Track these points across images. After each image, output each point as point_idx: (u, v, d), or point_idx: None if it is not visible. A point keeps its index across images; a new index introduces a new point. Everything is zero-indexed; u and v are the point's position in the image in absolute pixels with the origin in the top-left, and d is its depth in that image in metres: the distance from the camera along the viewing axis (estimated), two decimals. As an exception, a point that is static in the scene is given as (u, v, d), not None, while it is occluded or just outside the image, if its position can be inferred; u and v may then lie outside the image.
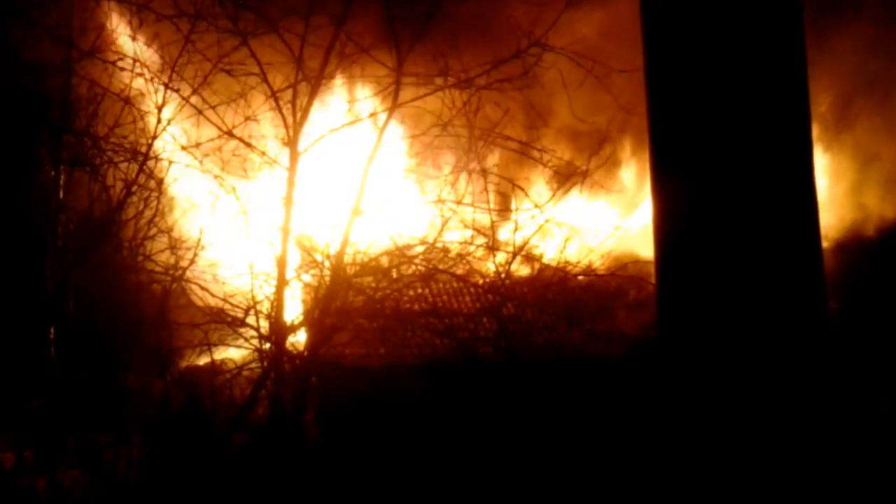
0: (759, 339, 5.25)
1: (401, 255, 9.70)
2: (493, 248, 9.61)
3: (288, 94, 9.71)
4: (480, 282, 9.71)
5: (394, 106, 9.74)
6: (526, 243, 9.61)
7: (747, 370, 5.21)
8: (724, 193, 5.25)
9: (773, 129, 5.36)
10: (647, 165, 10.21)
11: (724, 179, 5.27)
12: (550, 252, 9.85)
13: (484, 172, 9.67)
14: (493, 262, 9.64)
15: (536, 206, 9.52)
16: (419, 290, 9.67)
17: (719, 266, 5.26)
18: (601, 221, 10.15)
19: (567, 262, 9.53)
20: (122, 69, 9.61)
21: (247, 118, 9.77)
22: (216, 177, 9.59)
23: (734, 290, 5.25)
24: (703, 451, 5.36)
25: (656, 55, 5.42)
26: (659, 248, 5.47)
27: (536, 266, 9.72)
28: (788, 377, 5.25)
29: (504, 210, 9.81)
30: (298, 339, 9.80)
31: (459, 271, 9.63)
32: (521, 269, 9.77)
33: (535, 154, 9.65)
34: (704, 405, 5.34)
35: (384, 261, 9.77)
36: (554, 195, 9.53)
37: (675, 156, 5.36)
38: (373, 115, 9.80)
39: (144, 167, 9.60)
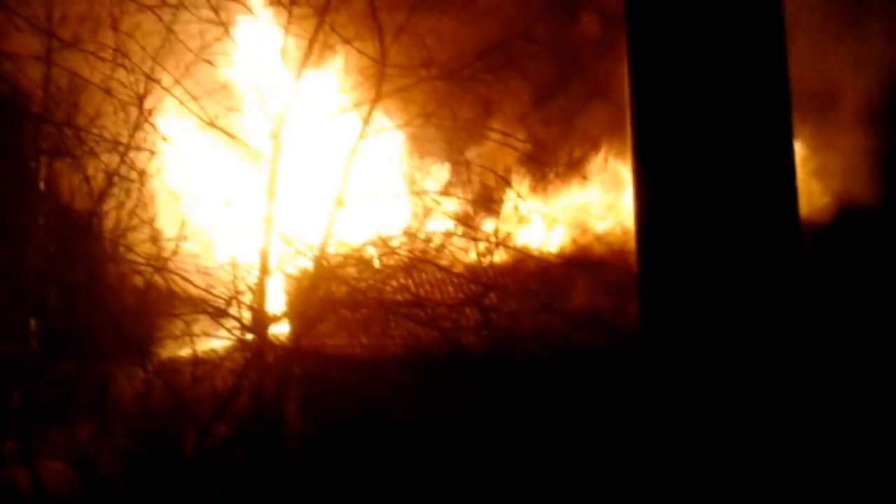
0: (740, 328, 4.96)
1: (384, 245, 9.39)
2: (475, 237, 9.30)
3: (272, 85, 9.40)
4: (463, 271, 9.37)
5: (377, 97, 9.40)
6: (508, 233, 9.33)
7: (731, 361, 4.92)
8: (706, 181, 4.92)
9: (755, 118, 5.05)
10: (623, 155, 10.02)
11: (707, 167, 4.94)
12: (533, 241, 9.56)
13: (467, 163, 9.37)
14: (476, 251, 9.33)
15: (519, 196, 9.24)
16: (402, 281, 9.32)
17: (701, 256, 4.95)
18: (584, 210, 9.83)
19: (549, 252, 9.29)
20: (103, 59, 9.25)
21: (229, 109, 9.49)
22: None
23: (716, 279, 4.94)
24: (686, 440, 5.07)
25: (638, 41, 5.08)
26: (640, 237, 5.13)
27: (519, 255, 9.41)
28: (772, 368, 4.98)
29: (487, 200, 9.51)
30: (281, 330, 9.52)
31: (442, 262, 9.31)
32: (504, 259, 9.45)
33: (517, 144, 9.36)
34: (687, 396, 5.06)
35: (367, 251, 9.46)
36: (537, 185, 9.24)
37: (657, 145, 5.01)
38: (356, 106, 9.48)
39: (126, 158, 9.25)
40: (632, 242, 9.72)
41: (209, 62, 9.18)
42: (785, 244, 4.93)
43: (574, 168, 9.50)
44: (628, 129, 5.12)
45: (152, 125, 9.23)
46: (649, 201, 4.96)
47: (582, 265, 9.20)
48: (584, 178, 9.56)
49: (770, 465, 4.94)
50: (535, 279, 9.31)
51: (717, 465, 4.94)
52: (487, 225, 9.50)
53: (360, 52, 9.41)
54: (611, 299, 9.14)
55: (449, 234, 9.32)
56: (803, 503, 4.96)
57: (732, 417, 4.90)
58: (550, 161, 9.48)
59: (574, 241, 9.51)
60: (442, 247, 9.31)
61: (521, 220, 9.40)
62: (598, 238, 9.64)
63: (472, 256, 9.36)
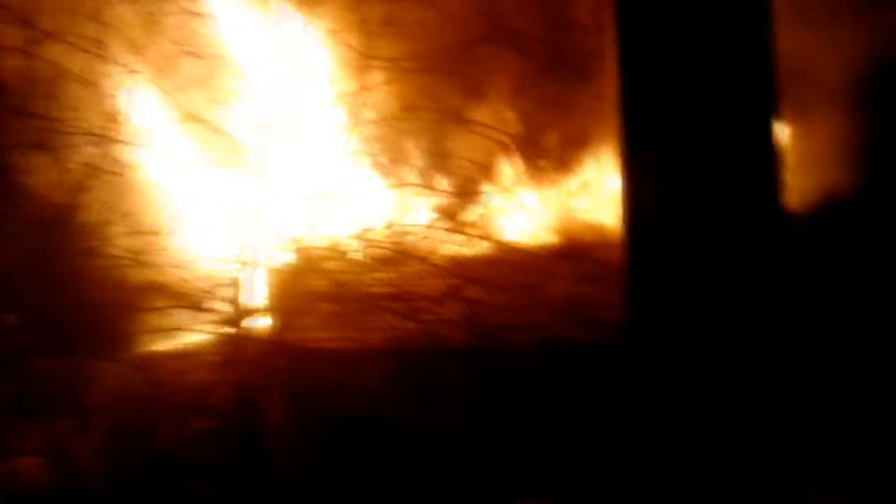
0: (729, 319, 4.89)
1: (367, 238, 9.31)
2: (459, 230, 9.23)
3: (256, 77, 9.29)
4: (447, 264, 9.30)
5: (362, 89, 9.31)
6: (492, 225, 9.28)
7: (719, 353, 4.85)
8: (697, 169, 4.85)
9: (743, 106, 5.00)
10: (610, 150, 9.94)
11: (697, 155, 4.88)
12: (518, 233, 9.50)
13: (452, 154, 9.30)
14: (459, 244, 9.27)
15: (504, 188, 9.19)
16: (385, 274, 9.24)
17: (691, 247, 4.88)
18: (569, 200, 9.77)
19: (531, 243, 9.25)
20: (84, 50, 9.12)
21: (212, 101, 9.39)
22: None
23: (706, 272, 4.87)
24: (672, 433, 5.00)
25: (627, 24, 5.00)
26: (628, 227, 5.06)
27: (503, 247, 9.35)
28: (760, 361, 4.92)
29: (471, 192, 9.44)
30: (263, 324, 9.43)
31: (425, 254, 9.23)
32: (488, 251, 9.38)
33: (501, 136, 9.29)
34: (674, 392, 4.99)
35: (350, 244, 9.38)
36: (521, 176, 9.18)
37: (647, 133, 4.94)
38: (343, 99, 9.39)
39: (106, 150, 9.12)
40: (615, 231, 9.69)
41: (192, 53, 9.08)
42: (773, 235, 4.88)
43: (559, 158, 9.44)
44: (616, 116, 5.05)
45: (133, 117, 9.14)
46: (637, 190, 4.90)
47: (566, 256, 9.13)
48: (569, 167, 9.50)
49: (758, 459, 4.88)
50: (519, 271, 9.24)
51: (704, 456, 4.88)
52: (471, 216, 9.43)
53: (344, 43, 9.36)
54: (595, 290, 9.07)
55: (432, 227, 9.25)
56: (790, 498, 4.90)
57: (720, 408, 4.84)
58: (536, 151, 9.40)
59: (559, 231, 9.45)
60: (425, 239, 9.24)
61: (506, 211, 9.33)
62: (583, 227, 9.58)
63: (455, 249, 9.30)
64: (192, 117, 9.20)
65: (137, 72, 9.13)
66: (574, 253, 9.27)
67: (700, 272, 4.86)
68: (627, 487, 7.30)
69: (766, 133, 4.94)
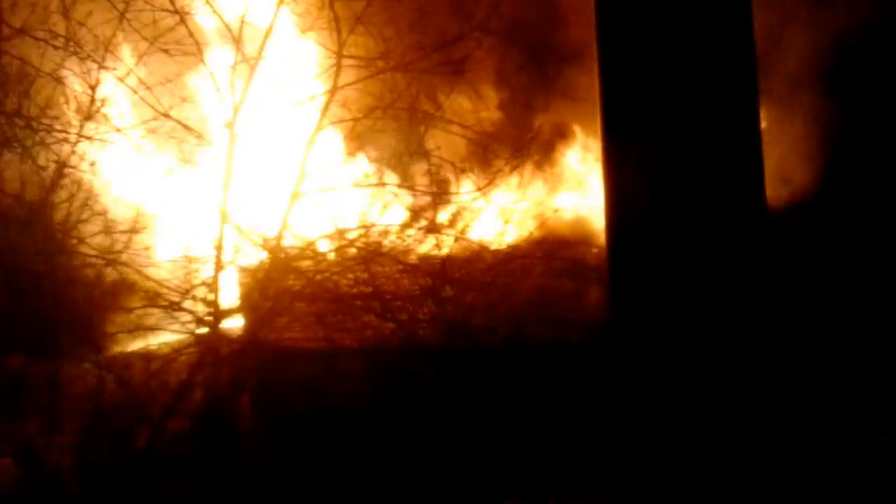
0: (711, 322, 4.88)
1: (340, 238, 9.24)
2: (432, 230, 9.18)
3: (227, 75, 9.22)
4: (420, 264, 9.26)
5: (334, 88, 9.25)
6: (466, 225, 9.23)
7: (703, 357, 4.84)
8: (679, 169, 4.84)
9: (725, 107, 4.99)
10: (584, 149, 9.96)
11: (680, 155, 4.86)
12: (491, 234, 9.46)
13: (425, 155, 9.25)
14: (434, 244, 9.22)
15: (478, 188, 9.15)
16: (359, 274, 9.17)
17: (673, 248, 4.85)
18: (542, 202, 9.75)
19: (506, 244, 9.21)
20: (55, 48, 9.00)
21: (184, 99, 9.29)
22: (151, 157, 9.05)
23: (688, 274, 4.85)
24: (652, 428, 4.98)
25: (608, 22, 4.98)
26: (611, 228, 5.03)
27: (476, 248, 9.31)
28: (744, 365, 4.91)
29: (445, 193, 9.39)
30: (236, 324, 9.34)
31: (399, 254, 9.18)
32: (462, 252, 9.34)
33: (473, 135, 9.26)
34: (656, 392, 4.96)
35: (324, 244, 9.31)
36: (494, 178, 9.14)
37: (628, 133, 4.91)
38: (313, 97, 9.32)
39: (77, 149, 9.01)
40: (590, 230, 9.68)
41: (164, 51, 8.98)
42: (755, 229, 4.87)
43: (533, 157, 9.42)
44: (597, 112, 5.01)
45: (105, 115, 9.02)
46: (621, 191, 4.86)
47: (540, 255, 9.12)
48: (543, 166, 9.48)
49: (742, 455, 4.87)
50: (491, 271, 9.22)
51: (689, 451, 4.85)
52: (444, 217, 9.38)
53: (317, 42, 9.30)
54: (568, 289, 9.09)
55: (405, 227, 9.19)
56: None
57: (703, 402, 4.82)
58: (509, 151, 9.38)
59: (533, 231, 9.43)
60: (400, 239, 9.18)
61: (478, 211, 9.29)
62: (557, 227, 9.56)
63: (428, 249, 9.26)
64: (162, 115, 9.11)
65: (109, 69, 9.03)
66: (548, 252, 9.25)
67: (682, 266, 4.84)
68: (607, 485, 7.30)
69: (748, 126, 4.94)
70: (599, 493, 8.11)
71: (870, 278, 9.61)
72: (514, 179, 9.41)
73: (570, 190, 9.81)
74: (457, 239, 9.11)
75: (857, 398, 9.20)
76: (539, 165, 9.57)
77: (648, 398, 4.97)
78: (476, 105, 9.51)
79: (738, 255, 4.85)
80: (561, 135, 9.76)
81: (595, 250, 9.13)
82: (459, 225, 9.18)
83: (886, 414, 9.04)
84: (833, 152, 9.30)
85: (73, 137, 8.86)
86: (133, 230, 8.92)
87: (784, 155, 9.32)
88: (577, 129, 9.78)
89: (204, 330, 9.08)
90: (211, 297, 9.07)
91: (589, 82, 9.59)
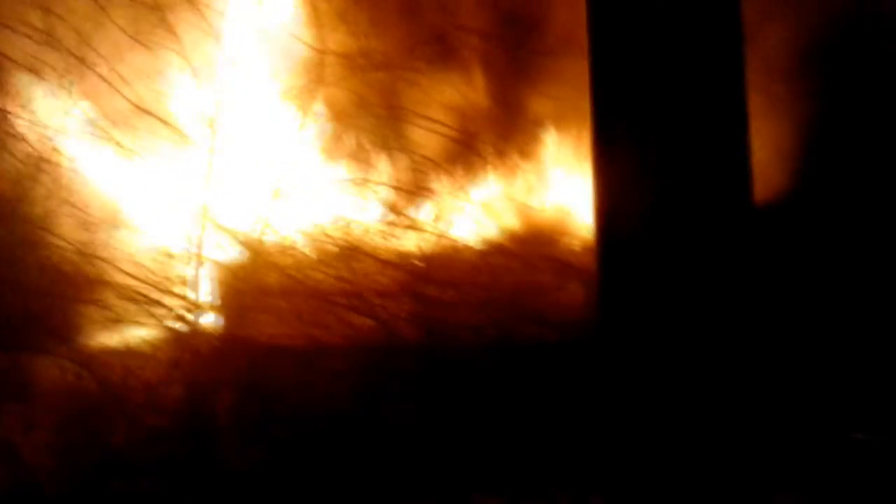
0: (701, 315, 4.88)
1: (319, 234, 9.20)
2: (412, 227, 9.17)
3: (208, 71, 9.16)
4: (399, 261, 9.24)
5: (317, 86, 9.20)
6: (446, 223, 9.24)
7: (694, 351, 4.84)
8: (671, 164, 4.83)
9: (715, 95, 4.99)
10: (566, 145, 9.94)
11: (670, 148, 4.86)
12: (471, 231, 9.46)
13: (407, 153, 9.23)
14: (415, 242, 9.21)
15: (458, 185, 9.15)
16: (338, 271, 9.14)
17: (665, 245, 4.85)
18: (521, 198, 9.74)
19: (485, 240, 9.22)
20: (31, 40, 8.88)
21: (163, 94, 9.21)
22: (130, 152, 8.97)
23: (679, 267, 4.85)
24: (643, 430, 4.97)
25: (601, 17, 4.97)
26: (601, 224, 5.02)
27: (457, 244, 9.31)
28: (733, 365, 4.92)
29: (426, 190, 9.37)
30: (216, 320, 9.28)
31: (380, 252, 9.15)
32: (444, 249, 9.33)
33: (453, 132, 9.25)
34: (647, 397, 4.95)
35: (303, 240, 9.27)
36: (477, 174, 9.16)
37: (620, 129, 4.91)
38: (295, 94, 9.27)
39: (55, 143, 8.90)
40: (572, 228, 9.68)
41: (142, 44, 8.89)
42: (745, 228, 4.88)
43: (514, 155, 9.42)
44: (585, 110, 5.00)
45: (83, 110, 8.93)
46: (612, 187, 4.85)
47: (520, 254, 9.12)
48: (524, 164, 9.48)
49: (729, 455, 4.87)
50: (473, 268, 9.21)
51: (674, 452, 4.85)
52: (425, 214, 9.37)
53: (299, 39, 9.25)
54: (550, 287, 9.09)
55: (386, 223, 9.17)
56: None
57: (692, 403, 4.82)
58: (490, 148, 9.37)
59: (514, 228, 9.43)
60: (381, 237, 9.16)
61: (460, 208, 9.28)
62: (538, 225, 9.56)
63: (409, 245, 9.24)
64: (142, 109, 9.03)
65: (86, 62, 8.93)
66: (529, 251, 9.26)
67: (673, 266, 4.84)
68: (586, 484, 7.29)
69: (738, 122, 4.95)
70: (587, 492, 8.12)
71: (844, 276, 9.63)
72: (496, 175, 9.42)
73: (553, 185, 9.80)
74: (437, 235, 9.12)
75: (825, 395, 9.24)
76: (521, 161, 9.56)
77: (637, 397, 4.97)
78: (459, 101, 9.50)
79: (729, 252, 4.87)
80: (543, 131, 9.75)
81: (578, 246, 9.15)
82: (440, 222, 9.20)
83: (855, 411, 9.09)
84: (810, 149, 9.32)
85: (51, 132, 8.79)
86: (111, 225, 8.86)
87: (759, 151, 9.31)
88: (559, 125, 9.76)
89: (181, 326, 9.02)
90: (190, 293, 9.03)
91: (572, 78, 9.62)
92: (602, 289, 5.04)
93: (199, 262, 9.06)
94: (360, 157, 9.45)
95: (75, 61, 8.80)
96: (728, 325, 4.93)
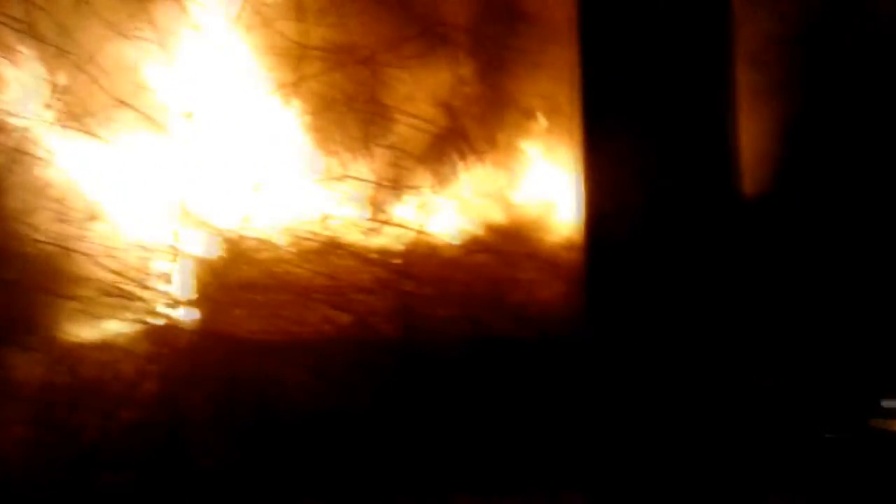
0: (688, 314, 4.87)
1: (300, 230, 9.14)
2: (393, 223, 9.13)
3: (188, 64, 9.08)
4: (379, 257, 9.19)
5: (299, 80, 9.14)
6: (427, 220, 9.19)
7: (681, 350, 4.82)
8: (660, 160, 4.81)
9: (703, 92, 4.98)
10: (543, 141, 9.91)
11: (658, 144, 4.84)
12: (452, 227, 9.42)
13: (389, 148, 9.18)
14: (395, 238, 9.16)
15: (440, 182, 9.10)
16: (319, 267, 9.08)
17: (653, 243, 4.83)
18: (503, 195, 9.71)
19: (466, 237, 9.18)
20: (12, 30, 8.77)
21: (143, 87, 9.13)
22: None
23: (667, 264, 4.83)
24: (630, 428, 4.95)
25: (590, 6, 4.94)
26: (589, 219, 4.99)
27: (437, 241, 9.27)
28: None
29: (407, 186, 9.32)
30: (192, 315, 9.20)
31: (360, 247, 9.10)
32: (422, 244, 9.29)
33: (436, 129, 9.21)
34: (634, 394, 4.92)
35: (283, 235, 9.20)
36: (457, 171, 9.12)
37: (610, 123, 4.88)
38: (276, 88, 9.20)
39: (32, 134, 8.79)
40: (551, 226, 9.65)
41: (124, 36, 8.80)
42: (732, 225, 4.87)
43: (496, 152, 9.39)
44: (574, 103, 4.97)
45: (62, 101, 8.82)
46: (602, 185, 4.83)
47: (500, 251, 9.09)
48: (506, 162, 9.45)
49: (718, 451, 4.86)
50: (453, 265, 9.18)
51: (663, 449, 4.83)
52: (406, 210, 9.32)
53: (281, 33, 9.18)
54: (527, 285, 9.07)
55: (366, 220, 9.13)
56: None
57: (680, 401, 4.81)
58: (472, 146, 9.33)
59: (494, 225, 9.40)
60: (359, 232, 9.11)
61: (441, 204, 9.25)
62: (519, 222, 9.54)
63: (390, 241, 9.20)
64: (121, 102, 8.94)
65: (66, 54, 8.83)
66: (509, 247, 9.23)
67: (661, 263, 4.83)
68: (563, 482, 7.26)
69: (726, 115, 4.93)
70: (564, 490, 8.10)
71: (814, 275, 9.65)
72: (478, 171, 9.39)
73: (534, 181, 9.77)
74: (418, 232, 9.08)
75: (795, 394, 9.28)
76: (503, 157, 9.52)
77: (624, 394, 4.95)
78: (442, 97, 9.46)
79: (716, 247, 4.86)
80: (526, 127, 9.72)
81: (558, 242, 9.13)
82: (421, 218, 9.16)
83: (825, 410, 9.13)
84: (788, 143, 9.32)
85: (29, 123, 8.68)
86: (89, 218, 8.76)
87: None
88: (541, 121, 9.73)
89: (158, 321, 8.94)
90: (167, 287, 8.94)
91: (556, 73, 9.59)
92: (589, 285, 5.03)
93: (177, 257, 8.98)
94: (341, 153, 9.39)
95: (55, 51, 8.72)
96: (715, 322, 4.93)
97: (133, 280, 8.84)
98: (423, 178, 9.33)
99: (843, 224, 9.51)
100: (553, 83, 9.27)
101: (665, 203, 4.77)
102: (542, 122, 9.82)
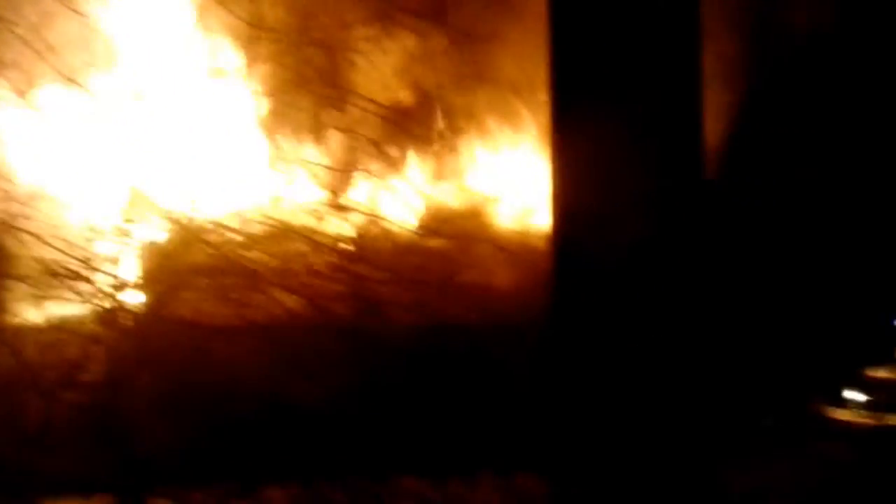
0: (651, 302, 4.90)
1: (252, 213, 9.01)
2: (347, 208, 9.04)
3: (140, 43, 8.88)
4: (331, 242, 9.11)
5: (253, 62, 8.99)
6: (381, 205, 9.12)
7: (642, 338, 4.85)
8: (629, 149, 4.82)
9: (673, 81, 5.00)
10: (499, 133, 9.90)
11: (630, 134, 4.84)
12: (405, 214, 9.37)
13: (343, 132, 9.08)
14: (348, 222, 9.08)
15: (394, 167, 9.03)
16: (271, 251, 8.96)
17: (624, 231, 4.84)
18: (459, 183, 9.69)
19: (421, 224, 9.14)
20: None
21: (91, 64, 8.91)
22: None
23: (632, 256, 4.85)
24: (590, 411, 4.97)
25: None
26: (558, 207, 4.97)
27: (390, 227, 9.21)
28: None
29: (361, 171, 9.24)
30: (138, 298, 9.03)
31: (312, 231, 9.00)
32: (374, 229, 9.23)
33: (389, 113, 9.13)
34: (598, 377, 4.94)
35: (233, 219, 9.06)
36: (411, 157, 9.07)
37: (580, 111, 4.86)
38: (230, 69, 9.04)
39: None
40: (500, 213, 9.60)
41: (74, 11, 8.58)
42: (700, 220, 4.91)
43: (450, 137, 9.35)
44: (548, 91, 4.96)
45: (8, 78, 8.59)
46: (573, 178, 4.81)
47: (453, 236, 9.07)
48: (461, 147, 9.42)
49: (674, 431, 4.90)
50: (405, 250, 9.13)
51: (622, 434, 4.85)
52: (359, 195, 9.25)
53: (232, 13, 9.01)
54: (478, 270, 9.06)
55: (319, 204, 9.03)
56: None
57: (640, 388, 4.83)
58: (427, 132, 9.29)
59: (446, 211, 9.37)
60: (311, 216, 9.02)
61: (395, 190, 9.18)
62: (471, 209, 9.53)
63: (341, 226, 9.12)
64: (70, 80, 8.72)
65: (11, 27, 8.58)
66: (462, 233, 9.21)
67: (627, 251, 4.84)
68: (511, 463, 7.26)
69: (693, 100, 4.94)
70: (513, 470, 8.13)
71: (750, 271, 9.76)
72: (431, 156, 9.35)
73: (488, 169, 9.76)
74: (371, 217, 9.01)
75: (733, 383, 9.41)
76: (458, 144, 9.50)
77: (581, 376, 4.98)
78: (398, 83, 9.38)
79: (682, 234, 4.89)
80: (482, 115, 9.70)
81: (512, 229, 9.16)
82: (374, 203, 9.09)
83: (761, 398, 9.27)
84: (743, 131, 9.39)
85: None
86: (36, 198, 8.55)
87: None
88: (497, 109, 9.72)
89: (107, 303, 8.76)
90: (115, 269, 8.76)
91: (513, 63, 9.55)
92: (556, 269, 5.03)
93: (125, 239, 8.80)
94: (294, 136, 9.27)
95: (3, 27, 8.47)
96: (675, 309, 4.96)
97: (80, 261, 8.64)
98: (377, 162, 9.25)
99: (788, 216, 9.65)
100: (518, 68, 9.25)
101: (634, 188, 4.78)
102: (505, 106, 9.78)
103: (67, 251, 8.62)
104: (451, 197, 9.53)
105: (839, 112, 9.49)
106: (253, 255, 8.93)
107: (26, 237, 8.45)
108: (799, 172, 9.47)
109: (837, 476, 8.62)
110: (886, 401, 9.36)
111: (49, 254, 8.55)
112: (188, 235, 8.88)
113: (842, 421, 9.33)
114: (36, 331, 8.62)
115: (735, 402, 9.03)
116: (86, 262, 8.66)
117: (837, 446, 9.01)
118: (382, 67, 9.31)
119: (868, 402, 9.34)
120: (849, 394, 9.40)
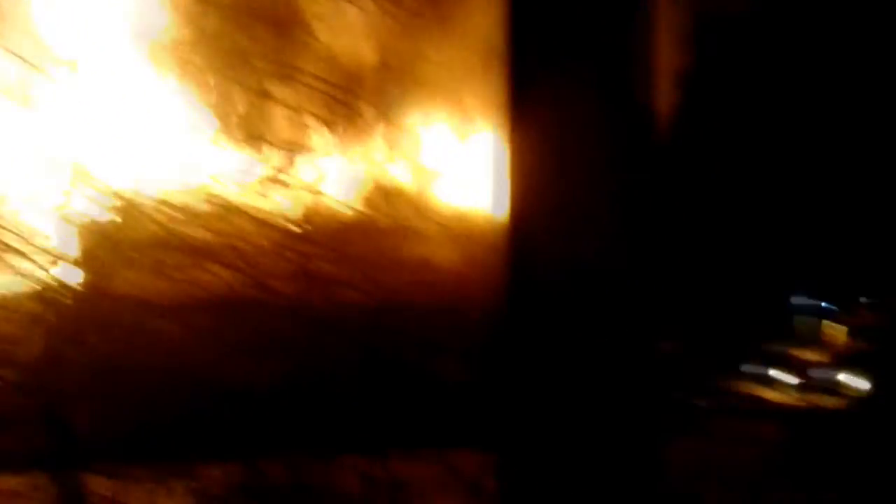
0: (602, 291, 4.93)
1: (195, 190, 8.90)
2: (291, 185, 8.97)
3: (78, 14, 8.70)
4: (275, 220, 9.04)
5: (197, 37, 8.85)
6: (325, 183, 9.07)
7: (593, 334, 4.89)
8: (590, 119, 4.83)
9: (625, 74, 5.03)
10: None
11: (590, 105, 4.85)
12: (350, 192, 9.32)
13: (288, 109, 8.99)
14: (292, 200, 9.01)
15: (339, 145, 8.97)
16: (214, 227, 8.86)
17: (578, 209, 4.86)
18: (409, 160, 9.65)
19: (366, 203, 9.11)
20: None
21: (29, 35, 8.70)
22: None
23: (588, 239, 4.87)
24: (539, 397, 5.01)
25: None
26: (514, 182, 4.97)
27: (335, 206, 9.17)
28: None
29: (306, 148, 9.17)
30: (76, 275, 8.88)
31: (256, 209, 8.92)
32: (320, 209, 9.18)
33: (335, 91, 9.07)
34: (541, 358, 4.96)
35: (176, 195, 8.94)
36: (356, 135, 9.01)
37: (537, 80, 4.85)
38: (175, 43, 8.90)
39: None
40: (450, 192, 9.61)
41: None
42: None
43: (398, 114, 9.31)
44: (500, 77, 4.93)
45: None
46: (526, 151, 4.80)
47: (400, 216, 9.06)
48: (410, 124, 9.38)
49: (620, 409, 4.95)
50: (350, 229, 9.10)
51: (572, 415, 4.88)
52: (304, 173, 9.17)
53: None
54: (426, 248, 9.07)
55: (263, 181, 8.95)
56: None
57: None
58: (373, 110, 9.23)
59: (394, 190, 9.34)
60: (255, 193, 8.94)
61: (340, 168, 9.13)
62: (419, 187, 9.50)
63: (286, 204, 9.05)
64: (7, 50, 8.52)
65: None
66: (406, 212, 9.20)
67: (582, 228, 4.86)
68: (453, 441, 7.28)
69: (645, 68, 4.95)
70: (454, 448, 8.17)
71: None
72: (379, 134, 9.30)
73: (440, 146, 9.74)
74: (316, 194, 8.96)
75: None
76: (403, 122, 9.45)
77: (529, 353, 5.00)
78: (344, 60, 9.32)
79: (636, 204, 4.91)
80: (428, 94, 9.67)
81: (455, 209, 9.17)
82: (319, 181, 9.03)
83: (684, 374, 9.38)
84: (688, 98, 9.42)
85: None
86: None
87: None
88: (444, 88, 9.69)
89: (45, 279, 8.60)
90: (54, 245, 8.61)
91: (461, 42, 9.51)
92: (510, 246, 5.03)
93: (65, 214, 8.65)
94: (239, 112, 9.15)
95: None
96: (625, 287, 5.00)
97: (18, 235, 8.48)
98: (324, 139, 9.17)
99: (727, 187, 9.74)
100: (468, 48, 9.24)
101: (590, 163, 4.80)
102: (453, 84, 9.76)
103: (5, 226, 8.46)
104: (402, 176, 9.51)
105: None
106: (196, 232, 8.83)
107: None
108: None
109: (771, 456, 8.80)
110: (816, 383, 9.58)
111: (-18, 229, 8.38)
112: (130, 211, 8.75)
113: (772, 402, 9.52)
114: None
115: (669, 382, 9.16)
116: (24, 236, 8.50)
117: (769, 427, 9.20)
118: (331, 45, 9.24)
119: (799, 384, 9.56)
120: (777, 375, 9.60)
